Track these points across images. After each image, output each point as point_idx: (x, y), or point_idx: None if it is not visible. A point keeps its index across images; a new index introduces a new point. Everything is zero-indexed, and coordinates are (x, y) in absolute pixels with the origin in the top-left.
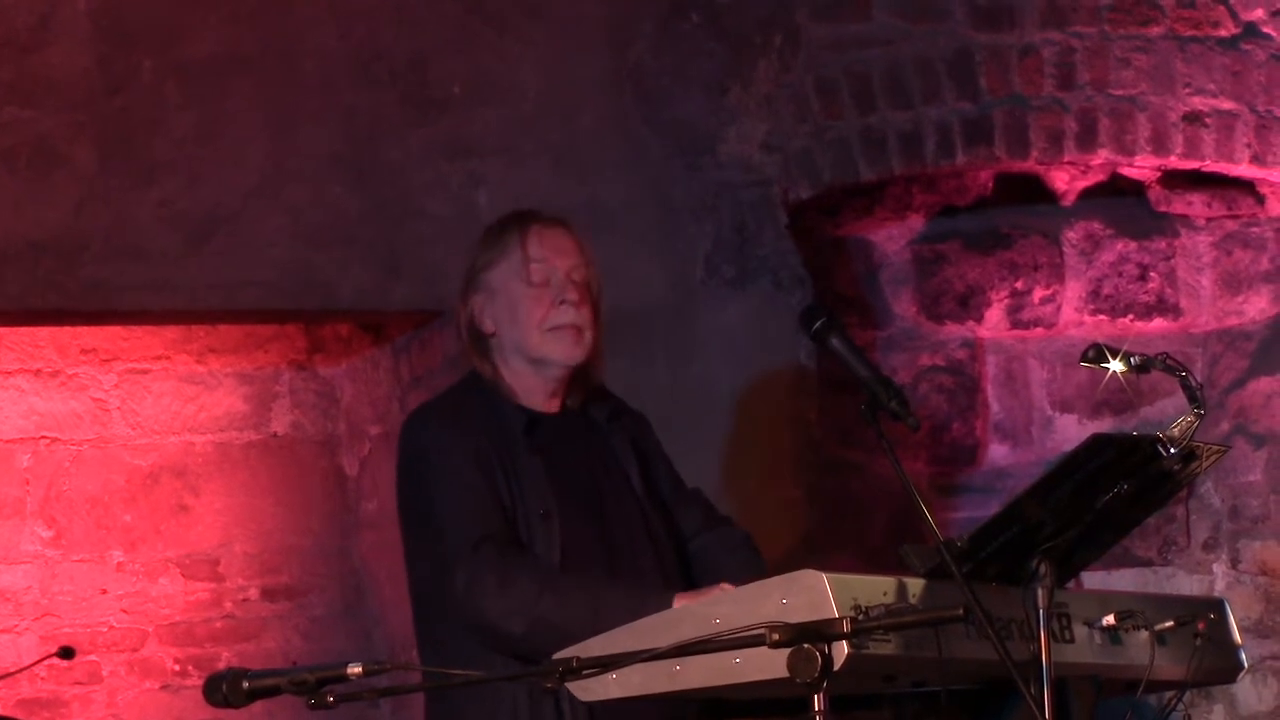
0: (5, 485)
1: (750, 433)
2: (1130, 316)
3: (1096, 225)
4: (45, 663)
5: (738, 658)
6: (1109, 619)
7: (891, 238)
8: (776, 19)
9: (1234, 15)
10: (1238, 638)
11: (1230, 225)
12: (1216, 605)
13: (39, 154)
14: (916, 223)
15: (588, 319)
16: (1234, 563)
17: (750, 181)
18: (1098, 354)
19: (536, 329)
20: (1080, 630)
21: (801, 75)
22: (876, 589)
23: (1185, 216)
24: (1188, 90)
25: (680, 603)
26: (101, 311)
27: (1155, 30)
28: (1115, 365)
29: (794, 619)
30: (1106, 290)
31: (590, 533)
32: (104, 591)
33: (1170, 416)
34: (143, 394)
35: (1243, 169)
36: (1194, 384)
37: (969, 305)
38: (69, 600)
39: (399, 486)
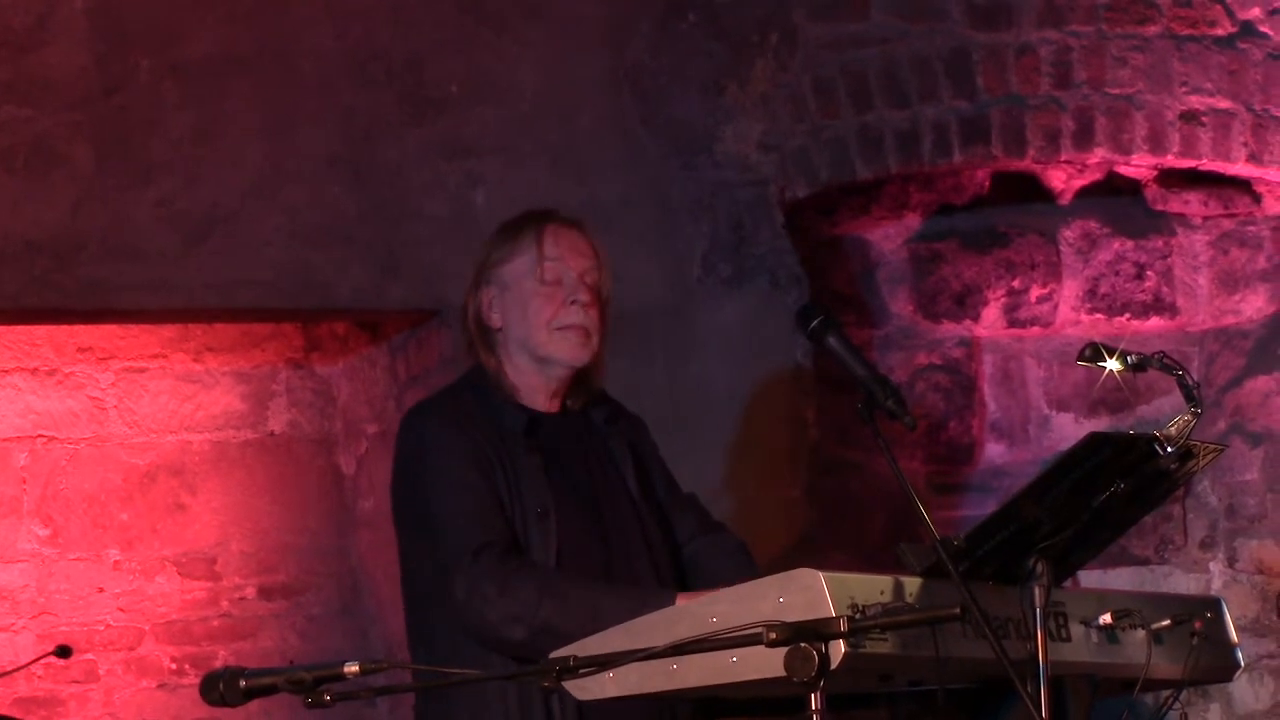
0: (2, 484)
1: (748, 432)
2: (1127, 315)
3: (1093, 224)
4: (42, 661)
5: (735, 657)
6: (1106, 618)
7: (888, 236)
8: (774, 18)
9: (1231, 14)
10: (1234, 636)
11: (1227, 224)
12: (1213, 604)
13: (37, 154)
14: (913, 221)
15: (595, 322)
16: (1231, 561)
17: (747, 181)
18: (1094, 353)
19: (545, 327)
20: (1077, 629)
21: (798, 74)
22: (873, 588)
23: (1182, 215)
24: (1184, 89)
25: (682, 604)
26: (99, 310)
27: (1152, 29)
28: (1112, 364)
29: (791, 618)
30: (1103, 289)
31: (587, 532)
32: (101, 590)
33: (1167, 415)
34: (140, 393)
35: (1239, 168)
36: (1191, 383)
37: (966, 304)
38: (66, 599)
39: (396, 483)
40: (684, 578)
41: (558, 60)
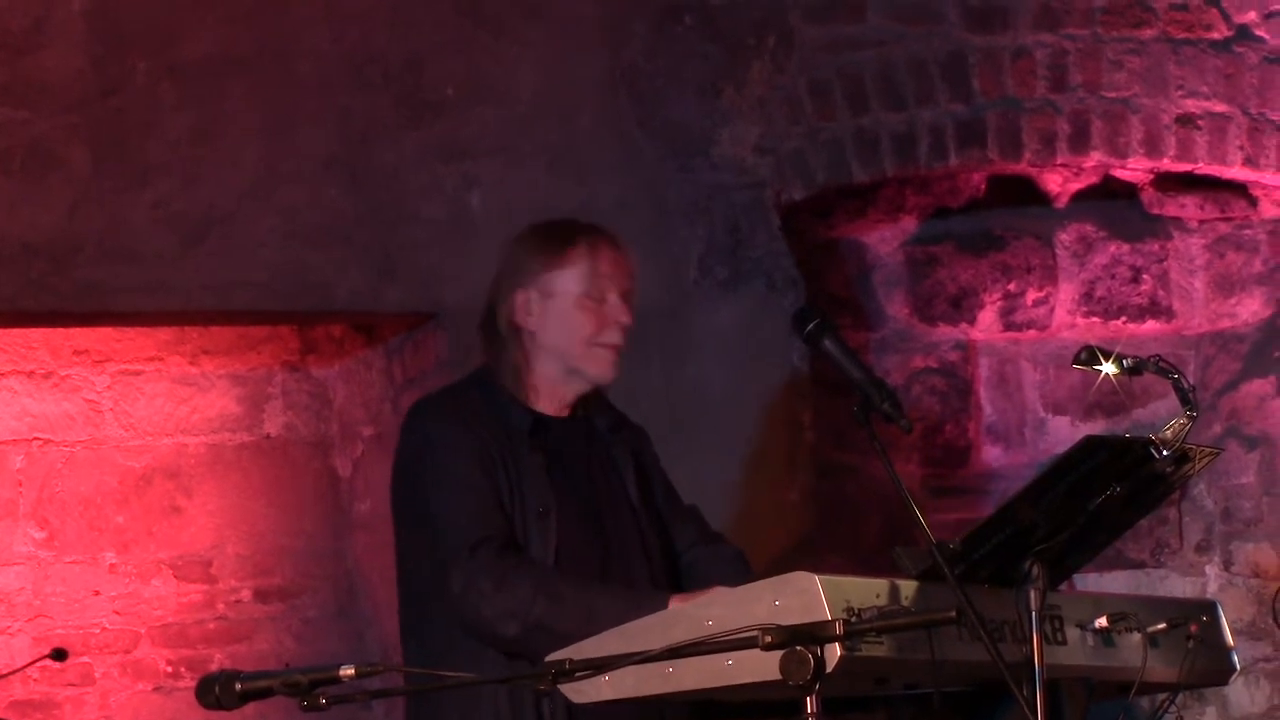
0: None
1: (744, 435)
2: (1123, 319)
3: (1089, 227)
4: (38, 664)
5: (730, 660)
6: (1101, 621)
7: (884, 239)
8: (770, 21)
9: (1227, 18)
10: (1230, 640)
11: (1223, 228)
12: (1209, 607)
13: (33, 156)
14: (909, 224)
15: (624, 345)
16: (1226, 565)
17: (743, 183)
18: (1090, 356)
19: (584, 342)
20: (1073, 632)
21: (795, 77)
22: (869, 591)
23: (1178, 219)
24: (1180, 93)
25: (675, 606)
26: (95, 313)
27: (1148, 33)
28: (1108, 367)
29: (786, 621)
30: (1099, 292)
31: (586, 534)
32: (96, 593)
33: (1163, 419)
34: (135, 395)
35: (1235, 171)
36: (1186, 386)
37: (962, 307)
38: (61, 602)
39: (397, 479)
40: (681, 585)
41: (554, 63)
